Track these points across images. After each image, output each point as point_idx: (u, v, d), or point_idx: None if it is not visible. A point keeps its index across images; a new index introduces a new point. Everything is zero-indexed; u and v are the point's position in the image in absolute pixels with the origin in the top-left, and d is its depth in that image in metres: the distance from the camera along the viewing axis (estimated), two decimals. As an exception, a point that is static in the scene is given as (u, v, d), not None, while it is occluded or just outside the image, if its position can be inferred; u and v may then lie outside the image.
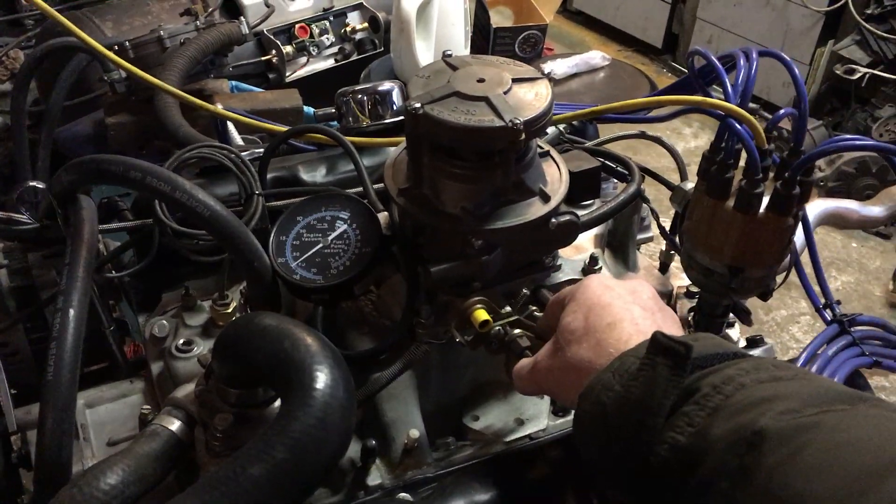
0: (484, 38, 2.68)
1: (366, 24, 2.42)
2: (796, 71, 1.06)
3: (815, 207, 1.92)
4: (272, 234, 1.02)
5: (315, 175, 1.29)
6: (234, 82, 2.03)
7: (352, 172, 1.26)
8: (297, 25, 2.34)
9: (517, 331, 0.95)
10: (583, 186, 1.05)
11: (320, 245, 1.01)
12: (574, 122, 1.36)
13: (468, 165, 0.93)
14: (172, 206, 1.02)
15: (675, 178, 1.29)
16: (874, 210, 2.89)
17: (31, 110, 2.17)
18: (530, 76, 0.96)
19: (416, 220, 0.98)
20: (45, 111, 2.04)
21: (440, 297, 0.99)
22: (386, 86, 1.35)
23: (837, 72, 4.04)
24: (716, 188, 1.07)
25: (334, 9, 2.41)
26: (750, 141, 1.03)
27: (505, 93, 0.92)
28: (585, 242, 1.20)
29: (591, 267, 1.10)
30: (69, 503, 0.86)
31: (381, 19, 2.40)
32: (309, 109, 1.84)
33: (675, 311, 1.25)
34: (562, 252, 1.08)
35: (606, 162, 1.21)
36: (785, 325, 3.29)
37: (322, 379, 0.82)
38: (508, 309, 0.96)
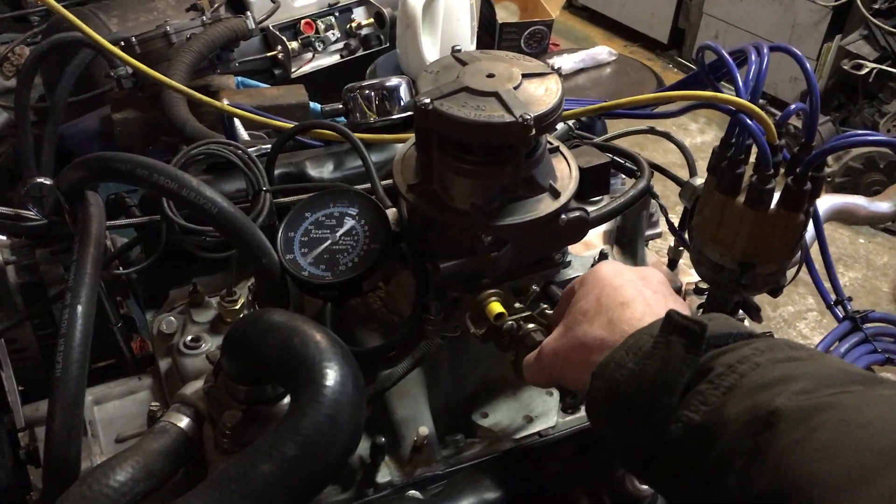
0: (489, 34, 2.68)
1: (371, 20, 2.42)
2: (808, 66, 1.06)
3: (824, 203, 1.91)
4: (280, 231, 1.02)
5: (322, 171, 1.29)
6: (239, 78, 2.03)
7: (359, 168, 1.25)
8: (302, 21, 2.34)
9: (531, 325, 0.94)
10: (592, 182, 1.05)
11: (329, 241, 1.01)
12: (582, 118, 1.35)
13: (478, 161, 0.92)
14: (180, 204, 1.01)
15: (682, 173, 1.29)
16: (882, 206, 2.88)
17: (37, 106, 2.17)
18: (540, 71, 0.95)
19: (425, 217, 0.97)
20: (50, 107, 2.04)
21: (449, 294, 0.98)
22: (393, 81, 1.35)
23: (845, 67, 4.03)
24: (726, 184, 1.06)
25: (340, 4, 2.41)
26: (761, 136, 1.02)
27: (515, 88, 0.91)
28: (595, 239, 1.20)
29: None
30: (79, 500, 0.85)
31: (387, 15, 2.40)
32: (315, 105, 1.84)
33: (685, 308, 1.25)
34: (571, 248, 1.07)
35: (615, 158, 1.20)
36: (792, 321, 3.28)
37: (332, 376, 0.82)
38: (520, 305, 0.96)
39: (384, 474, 0.96)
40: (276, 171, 1.21)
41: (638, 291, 0.85)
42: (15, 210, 1.06)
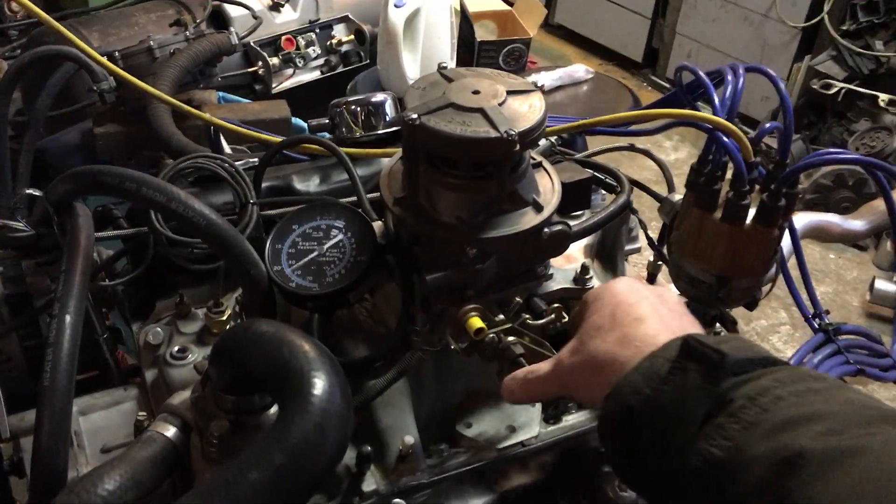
0: (468, 52, 2.70)
1: (351, 37, 2.44)
2: (782, 86, 1.09)
3: (799, 220, 1.95)
4: (268, 243, 1.03)
5: (309, 185, 1.30)
6: (221, 93, 2.04)
7: (345, 182, 1.27)
8: (283, 37, 2.35)
9: (511, 338, 0.96)
10: (574, 197, 1.08)
11: (316, 253, 1.02)
12: (564, 135, 1.38)
13: (463, 175, 0.94)
14: (168, 216, 1.02)
15: (658, 189, 1.32)
16: (855, 224, 2.94)
17: (15, 120, 2.16)
18: (524, 88, 0.98)
19: (411, 230, 0.99)
20: (28, 120, 2.04)
21: (435, 306, 1.00)
22: (379, 97, 1.37)
23: (814, 86, 4.11)
24: (704, 200, 1.10)
25: (320, 21, 2.43)
26: (737, 154, 1.05)
27: (500, 104, 0.94)
28: (576, 252, 1.22)
29: (582, 276, 1.12)
30: (67, 509, 0.86)
31: (367, 32, 2.42)
32: (297, 120, 1.86)
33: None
34: (553, 262, 1.09)
35: (596, 174, 1.23)
36: (765, 335, 3.33)
37: (320, 385, 0.83)
38: (502, 317, 0.98)
39: (370, 483, 0.97)
40: (263, 185, 1.23)
41: (654, 308, 0.83)
42: (3, 221, 1.07)
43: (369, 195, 1.15)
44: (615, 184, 1.22)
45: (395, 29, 2.08)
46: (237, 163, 1.21)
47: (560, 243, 1.02)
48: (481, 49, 2.69)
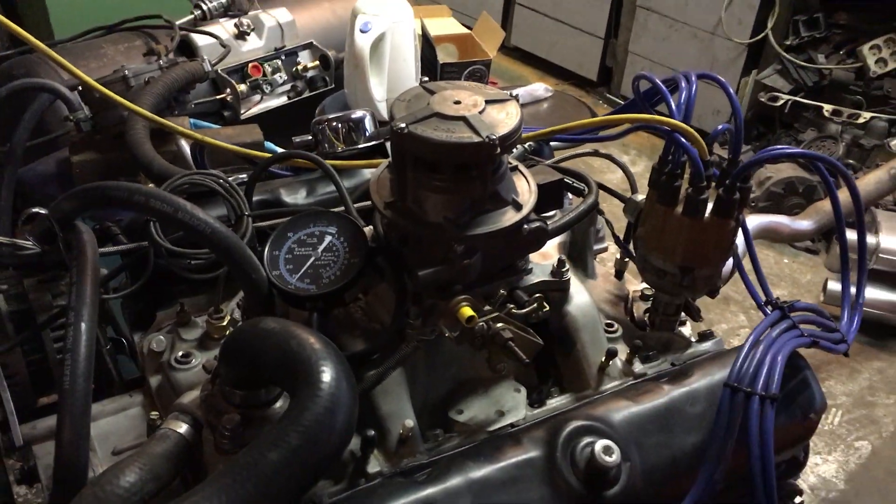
0: (431, 73, 2.79)
1: (316, 63, 2.51)
2: (731, 90, 1.20)
3: (751, 222, 2.07)
4: (266, 250, 1.10)
5: (296, 197, 1.38)
6: (193, 120, 2.09)
7: (331, 194, 1.35)
8: (250, 64, 2.41)
9: (499, 325, 1.04)
10: (548, 197, 1.16)
11: (312, 258, 1.10)
12: (531, 144, 1.48)
13: (449, 178, 1.03)
14: (175, 226, 1.09)
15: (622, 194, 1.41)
16: (803, 224, 3.08)
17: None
18: (501, 98, 1.07)
19: (401, 231, 1.07)
20: (8, 151, 2.07)
21: (426, 300, 1.08)
22: (358, 113, 1.45)
23: (762, 99, 4.26)
24: (665, 196, 1.19)
25: (285, 48, 2.50)
26: (694, 152, 1.15)
27: (480, 113, 1.03)
28: (551, 249, 1.31)
29: (559, 269, 1.20)
30: (92, 501, 0.92)
31: (332, 57, 2.49)
32: (269, 144, 1.92)
33: (633, 313, 1.37)
34: (531, 258, 1.18)
35: (565, 178, 1.32)
36: (726, 337, 3.44)
37: (328, 373, 0.90)
38: (489, 307, 1.06)
39: (374, 465, 1.04)
40: (254, 198, 1.30)
41: None
42: (12, 240, 1.12)
43: (355, 204, 1.22)
44: (583, 186, 1.31)
45: (362, 53, 2.15)
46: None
47: (539, 238, 1.11)
48: (444, 70, 2.78)
